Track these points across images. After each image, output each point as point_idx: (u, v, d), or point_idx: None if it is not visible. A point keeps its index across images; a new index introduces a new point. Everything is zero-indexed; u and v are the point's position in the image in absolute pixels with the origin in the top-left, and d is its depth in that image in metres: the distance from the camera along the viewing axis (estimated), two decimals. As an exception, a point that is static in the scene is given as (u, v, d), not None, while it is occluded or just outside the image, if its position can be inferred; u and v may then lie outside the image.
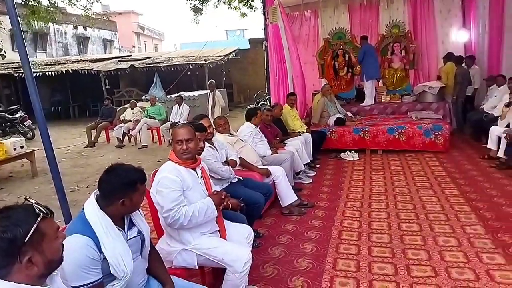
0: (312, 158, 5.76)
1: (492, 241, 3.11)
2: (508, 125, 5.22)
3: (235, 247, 2.28)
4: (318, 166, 5.92)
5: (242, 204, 2.76)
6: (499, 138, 5.16)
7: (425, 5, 8.27)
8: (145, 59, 16.18)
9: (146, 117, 9.09)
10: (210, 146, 3.27)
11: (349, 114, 7.15)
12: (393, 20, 8.37)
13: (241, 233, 2.48)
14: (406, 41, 8.22)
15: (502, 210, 3.75)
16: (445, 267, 2.76)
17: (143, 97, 13.79)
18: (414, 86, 8.18)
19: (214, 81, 9.18)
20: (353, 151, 6.34)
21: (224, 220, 2.50)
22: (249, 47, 16.95)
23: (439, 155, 5.91)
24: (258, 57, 14.75)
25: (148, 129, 8.94)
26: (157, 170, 2.47)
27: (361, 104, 7.92)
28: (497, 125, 5.43)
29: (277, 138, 5.27)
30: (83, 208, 1.72)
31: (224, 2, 14.20)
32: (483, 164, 5.32)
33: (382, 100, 8.04)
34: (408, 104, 7.60)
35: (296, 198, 4.05)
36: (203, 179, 2.46)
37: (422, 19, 8.34)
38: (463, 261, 2.84)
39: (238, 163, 3.61)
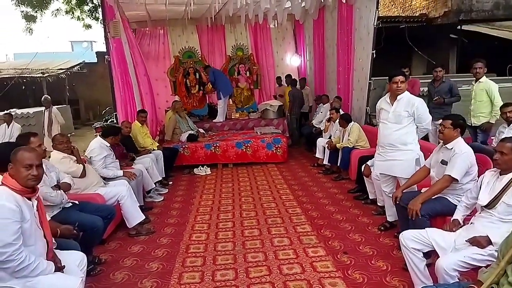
0: (164, 175, 5.72)
1: (317, 237, 3.63)
2: (330, 137, 6.21)
3: (62, 277, 2.08)
4: (171, 183, 5.89)
5: (75, 231, 2.55)
6: (324, 148, 6.09)
7: (264, 32, 9.27)
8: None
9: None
10: (37, 169, 2.91)
11: (201, 130, 7.36)
12: (237, 43, 9.09)
13: (72, 261, 2.27)
14: (250, 63, 9.03)
15: (325, 209, 4.43)
16: (278, 265, 3.09)
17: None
18: (258, 104, 9.02)
19: (49, 97, 8.20)
20: (205, 166, 6.54)
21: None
22: (97, 61, 15.80)
23: (280, 165, 6.62)
24: (107, 71, 13.79)
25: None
26: None
27: (213, 121, 8.25)
28: (322, 137, 6.42)
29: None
30: None
31: (66, 12, 12.96)
32: (313, 171, 6.19)
33: (232, 117, 8.58)
34: (254, 120, 8.28)
35: (144, 217, 3.93)
36: (38, 210, 2.19)
37: (262, 44, 9.32)
38: (293, 257, 3.23)
39: (73, 186, 3.31)
